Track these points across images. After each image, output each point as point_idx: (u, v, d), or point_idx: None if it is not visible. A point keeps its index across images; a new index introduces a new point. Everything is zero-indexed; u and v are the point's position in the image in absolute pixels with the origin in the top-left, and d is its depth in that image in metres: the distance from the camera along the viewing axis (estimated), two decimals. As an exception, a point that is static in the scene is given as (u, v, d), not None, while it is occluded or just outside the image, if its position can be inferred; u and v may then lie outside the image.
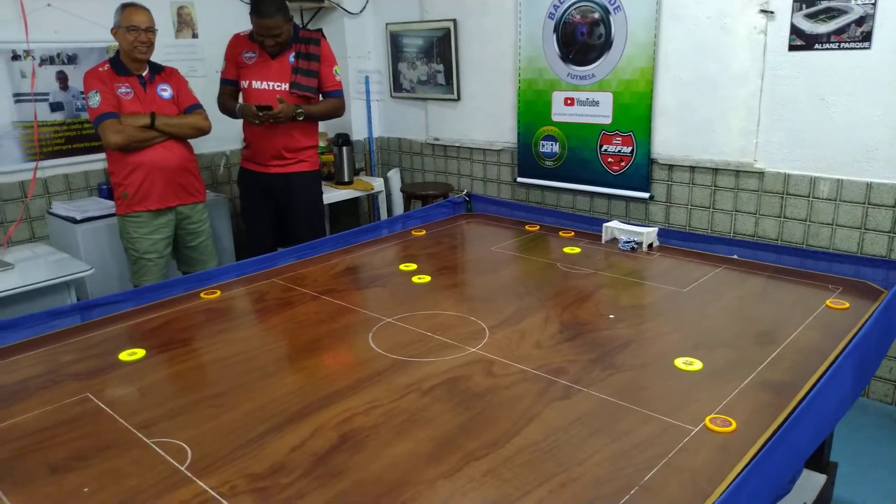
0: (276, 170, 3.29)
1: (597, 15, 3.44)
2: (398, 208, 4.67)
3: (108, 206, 3.47)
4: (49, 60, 3.53)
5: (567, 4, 3.52)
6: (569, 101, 3.62)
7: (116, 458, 1.24)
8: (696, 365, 1.50)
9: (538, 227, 2.67)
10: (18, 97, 3.44)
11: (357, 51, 4.57)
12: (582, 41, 3.52)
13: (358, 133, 4.68)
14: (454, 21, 4.04)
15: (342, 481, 1.14)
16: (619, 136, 3.48)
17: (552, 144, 3.75)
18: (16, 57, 3.40)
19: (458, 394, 1.42)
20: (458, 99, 4.17)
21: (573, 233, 2.56)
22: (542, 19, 3.63)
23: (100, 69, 2.94)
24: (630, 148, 3.45)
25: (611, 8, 3.39)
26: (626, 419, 1.31)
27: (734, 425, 1.26)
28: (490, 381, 1.47)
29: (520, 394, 1.42)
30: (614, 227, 2.41)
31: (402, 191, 4.41)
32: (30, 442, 1.31)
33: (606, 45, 3.45)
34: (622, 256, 2.29)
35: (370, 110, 4.71)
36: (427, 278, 2.15)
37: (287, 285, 2.15)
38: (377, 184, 4.47)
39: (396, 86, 4.53)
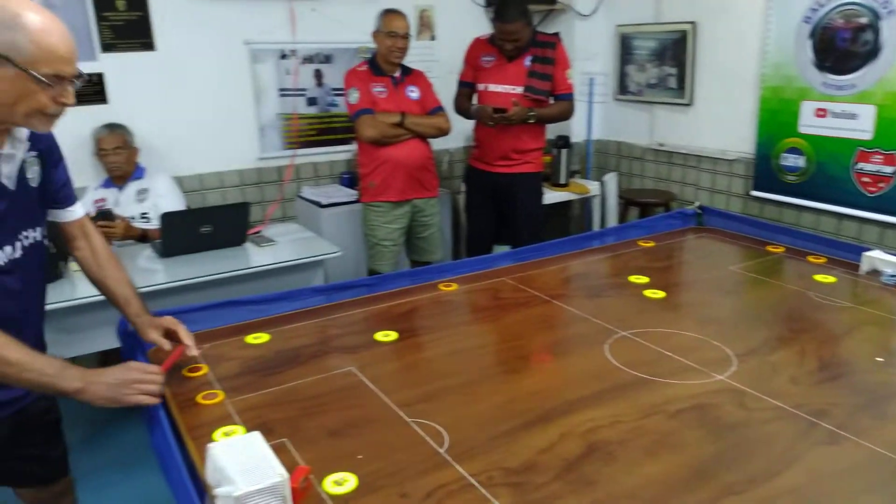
0: (502, 170, 3.39)
1: (864, 19, 3.10)
2: (611, 214, 4.59)
3: (348, 193, 3.82)
4: (309, 59, 3.94)
5: (828, 8, 3.21)
6: (821, 113, 3.31)
7: (383, 432, 1.38)
8: None
9: (783, 248, 2.49)
10: (283, 92, 3.89)
11: (584, 53, 4.55)
12: (842, 48, 3.19)
13: (577, 135, 4.67)
14: (693, 23, 3.87)
15: (596, 491, 1.17)
16: (879, 153, 3.12)
17: (797, 158, 3.45)
18: (283, 56, 3.85)
19: (709, 422, 1.38)
20: (690, 104, 3.99)
21: (825, 259, 2.35)
22: (795, 23, 3.35)
23: (359, 69, 3.24)
24: (893, 168, 3.07)
25: (883, 11, 3.03)
26: (908, 479, 1.19)
27: None
28: (743, 414, 1.40)
29: (777, 431, 1.34)
30: (878, 257, 2.17)
31: (620, 196, 4.33)
32: (310, 405, 1.50)
33: (873, 52, 3.10)
34: (886, 292, 2.06)
35: (591, 113, 4.67)
36: (661, 293, 2.10)
37: (517, 286, 2.21)
38: (593, 187, 4.43)
39: (622, 88, 4.45)
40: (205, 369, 1.63)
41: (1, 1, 1.23)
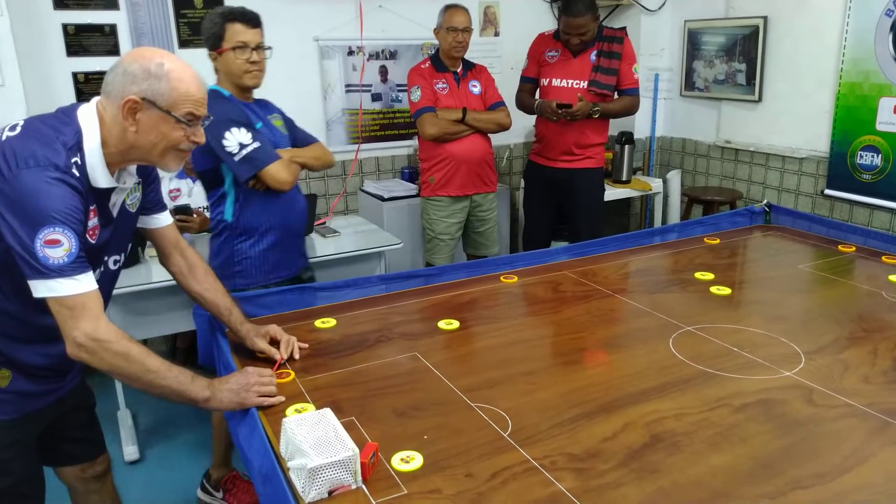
0: (563, 165, 3.38)
1: (950, 10, 2.97)
2: (673, 211, 4.51)
3: (409, 188, 3.88)
4: (375, 56, 4.01)
5: (912, -1, 3.09)
6: (900, 109, 3.19)
7: (447, 415, 1.41)
8: None
9: (854, 247, 2.41)
10: (348, 87, 3.98)
11: (650, 48, 4.49)
12: (926, 41, 3.07)
13: (640, 131, 4.61)
14: (765, 18, 3.77)
15: (660, 479, 1.17)
16: (964, 151, 2.98)
17: (873, 156, 3.33)
18: (350, 52, 3.93)
19: (776, 417, 1.36)
20: (760, 100, 3.89)
21: (900, 259, 2.27)
22: (876, 17, 3.22)
23: (422, 66, 3.28)
24: (978, 167, 2.93)
25: (971, 2, 2.90)
26: None
27: None
28: (811, 410, 1.38)
29: (848, 429, 1.32)
30: (960, 258, 2.08)
31: (683, 194, 4.25)
32: (376, 386, 1.55)
33: (959, 45, 2.96)
34: (969, 294, 1.98)
35: (655, 109, 4.60)
36: (727, 290, 2.07)
37: (579, 279, 2.22)
38: (655, 185, 4.37)
39: (688, 84, 4.36)
40: (292, 375, 1.60)
41: (144, 52, 1.39)
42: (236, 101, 2.21)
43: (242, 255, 2.25)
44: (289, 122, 2.45)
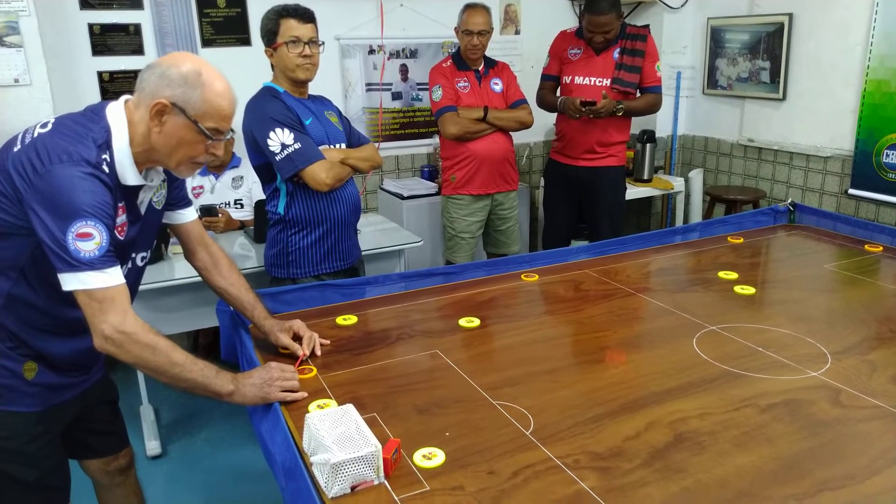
0: (585, 163, 3.36)
1: (982, 6, 2.91)
2: (696, 211, 4.47)
3: (428, 186, 3.88)
4: (395, 54, 4.02)
5: (942, -6, 3.03)
6: (929, 107, 3.13)
7: (469, 412, 1.41)
8: None
9: (881, 247, 2.38)
10: (369, 86, 3.99)
11: (672, 46, 4.45)
12: (957, 37, 3.01)
13: (662, 130, 4.57)
14: (790, 15, 3.72)
15: (684, 479, 1.16)
16: None
17: (900, 155, 3.28)
18: (371, 51, 3.94)
19: (802, 418, 1.34)
20: (784, 98, 3.84)
21: (929, 260, 2.23)
22: (904, 12, 3.17)
23: (444, 65, 3.28)
24: None
25: None
26: None
27: None
28: (839, 411, 1.36)
29: (877, 430, 1.30)
30: None
31: (706, 193, 4.21)
32: (398, 383, 1.55)
33: None
34: None
35: (677, 107, 4.56)
36: (751, 290, 2.05)
37: (601, 278, 2.21)
38: (677, 183, 4.33)
39: (711, 82, 4.32)
40: (314, 371, 1.61)
41: (184, 57, 1.42)
42: (287, 99, 2.28)
43: (293, 246, 2.36)
44: (344, 121, 2.51)
